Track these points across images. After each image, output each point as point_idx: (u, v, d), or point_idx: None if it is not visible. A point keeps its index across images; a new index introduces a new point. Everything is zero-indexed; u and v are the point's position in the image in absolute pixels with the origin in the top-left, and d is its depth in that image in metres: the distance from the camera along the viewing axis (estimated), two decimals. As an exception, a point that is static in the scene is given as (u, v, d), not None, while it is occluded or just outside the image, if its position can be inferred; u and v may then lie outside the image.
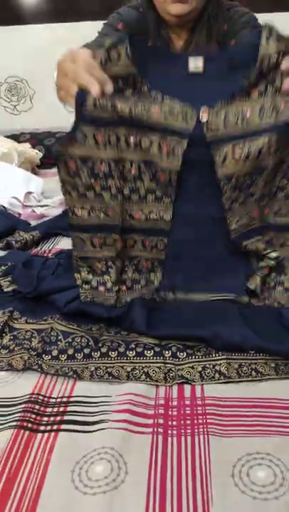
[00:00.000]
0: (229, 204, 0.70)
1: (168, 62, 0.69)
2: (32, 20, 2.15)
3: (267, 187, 0.69)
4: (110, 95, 0.66)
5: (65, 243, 1.08)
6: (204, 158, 0.68)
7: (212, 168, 0.68)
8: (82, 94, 0.66)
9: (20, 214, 1.27)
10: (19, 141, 1.78)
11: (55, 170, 1.85)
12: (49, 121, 1.99)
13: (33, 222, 1.22)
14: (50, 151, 1.75)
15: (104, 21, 1.18)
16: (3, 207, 1.27)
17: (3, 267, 0.93)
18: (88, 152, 0.68)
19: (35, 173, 1.64)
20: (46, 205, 1.34)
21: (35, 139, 1.82)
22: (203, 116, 0.67)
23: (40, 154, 1.69)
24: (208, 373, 0.65)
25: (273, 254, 0.73)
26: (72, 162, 0.70)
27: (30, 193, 1.36)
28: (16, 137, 1.83)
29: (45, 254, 1.02)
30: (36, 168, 1.69)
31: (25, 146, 1.66)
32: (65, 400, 0.63)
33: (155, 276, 0.79)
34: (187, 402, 0.61)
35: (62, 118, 2.18)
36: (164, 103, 0.67)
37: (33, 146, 1.75)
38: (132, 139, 0.68)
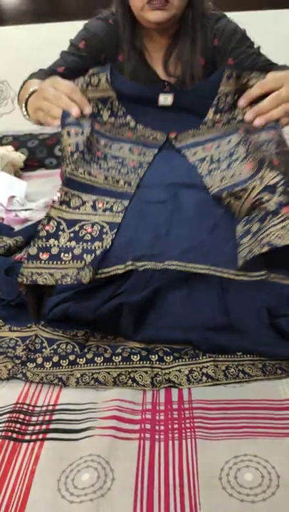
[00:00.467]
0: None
1: (143, 92, 0.76)
2: (11, 21, 2.13)
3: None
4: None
5: (49, 247, 1.06)
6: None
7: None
8: (66, 114, 0.71)
9: (3, 219, 1.26)
10: (1, 144, 1.76)
11: (39, 172, 1.83)
12: (28, 124, 1.97)
13: (17, 227, 1.21)
14: (34, 153, 1.74)
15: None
16: (-14, 212, 1.25)
17: (-15, 274, 0.91)
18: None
19: (19, 176, 1.62)
20: (30, 209, 1.33)
21: (18, 141, 1.80)
22: (172, 134, 0.76)
23: (24, 157, 1.68)
24: (195, 376, 0.64)
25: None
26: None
27: (13, 197, 1.35)
28: (-2, 140, 1.81)
29: (29, 259, 1.01)
30: (20, 170, 1.67)
31: (8, 149, 1.64)
32: (50, 408, 0.62)
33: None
34: (175, 406, 0.61)
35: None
36: (137, 129, 0.74)
37: (16, 149, 1.73)
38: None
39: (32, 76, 1.09)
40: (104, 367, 0.67)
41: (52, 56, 2.13)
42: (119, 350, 0.69)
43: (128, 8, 1.08)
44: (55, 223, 0.64)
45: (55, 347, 0.72)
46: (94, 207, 0.62)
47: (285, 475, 0.50)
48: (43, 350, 0.72)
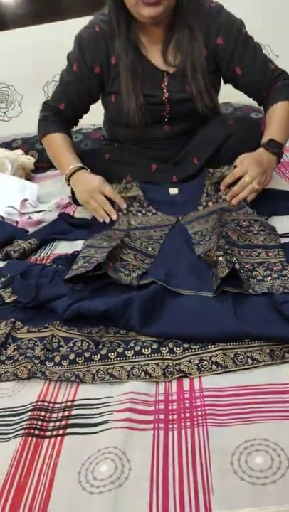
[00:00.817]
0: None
1: (157, 190, 1.18)
2: (13, 24, 2.14)
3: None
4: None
5: (62, 248, 1.10)
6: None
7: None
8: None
9: (17, 222, 1.29)
10: (12, 148, 1.80)
11: (49, 173, 1.86)
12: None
13: (31, 229, 1.24)
14: (43, 155, 1.76)
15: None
16: (1, 217, 1.29)
17: (2, 279, 0.95)
18: None
19: (30, 179, 1.65)
20: (43, 211, 1.36)
21: (27, 143, 1.82)
22: (180, 218, 1.11)
23: (33, 160, 1.71)
24: (205, 365, 0.66)
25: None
26: None
27: (25, 200, 1.38)
28: (9, 144, 1.85)
29: (44, 261, 1.04)
30: (31, 173, 1.70)
31: (17, 153, 1.67)
32: (69, 404, 0.65)
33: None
34: (186, 396, 0.63)
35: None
36: (157, 214, 1.14)
37: (26, 152, 1.76)
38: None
39: (46, 127, 1.25)
40: (118, 362, 0.70)
41: (56, 58, 2.14)
42: (131, 345, 0.72)
43: (121, 4, 1.08)
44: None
45: (71, 345, 0.75)
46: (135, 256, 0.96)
47: (295, 456, 0.52)
48: (60, 348, 0.75)
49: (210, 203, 1.12)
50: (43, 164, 1.76)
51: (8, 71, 2.07)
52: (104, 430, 0.59)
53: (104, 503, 0.50)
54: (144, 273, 0.87)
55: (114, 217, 1.11)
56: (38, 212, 1.36)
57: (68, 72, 1.22)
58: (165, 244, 1.00)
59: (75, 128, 1.90)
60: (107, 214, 1.12)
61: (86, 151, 1.36)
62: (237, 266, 0.79)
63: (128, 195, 1.16)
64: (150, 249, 0.98)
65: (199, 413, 0.59)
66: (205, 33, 1.13)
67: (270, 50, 2.09)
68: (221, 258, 0.82)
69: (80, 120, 1.32)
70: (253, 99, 1.24)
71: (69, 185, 1.20)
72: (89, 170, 1.18)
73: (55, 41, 2.10)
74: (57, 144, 1.23)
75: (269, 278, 0.81)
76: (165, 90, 1.17)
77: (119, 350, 0.72)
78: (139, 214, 1.13)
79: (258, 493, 0.49)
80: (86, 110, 1.29)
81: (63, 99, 1.24)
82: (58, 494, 0.53)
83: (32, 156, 1.76)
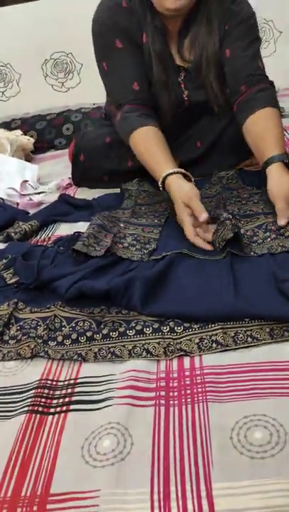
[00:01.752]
0: None
1: None
2: (10, 0, 2.09)
3: None
4: None
5: (63, 230, 1.10)
6: None
7: None
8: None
9: (18, 204, 1.29)
10: (10, 129, 1.78)
11: (49, 154, 1.84)
12: (38, 104, 1.97)
13: (32, 211, 1.24)
14: (43, 135, 1.75)
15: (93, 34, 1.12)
16: (1, 199, 1.29)
17: (4, 260, 0.96)
18: None
19: (30, 160, 1.64)
20: (43, 192, 1.35)
21: (26, 124, 1.80)
22: None
23: (33, 140, 1.69)
24: (205, 344, 0.67)
25: None
26: None
27: (26, 181, 1.37)
28: (8, 124, 1.82)
29: (45, 243, 1.04)
30: (31, 154, 1.69)
31: (17, 134, 1.66)
32: (72, 382, 0.66)
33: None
34: (187, 373, 0.64)
35: (51, 99, 2.15)
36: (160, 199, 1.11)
37: (25, 132, 1.74)
38: None
39: (130, 124, 1.07)
40: (120, 341, 0.71)
41: (54, 35, 2.10)
42: (132, 324, 0.73)
43: None
44: None
45: (74, 325, 0.76)
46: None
47: (293, 431, 0.53)
48: (63, 328, 0.76)
49: (212, 187, 1.15)
50: (43, 145, 1.75)
51: (5, 49, 2.03)
52: (106, 407, 0.61)
53: (107, 476, 0.52)
54: (154, 249, 0.89)
55: (204, 216, 0.94)
56: (39, 193, 1.35)
57: (113, 56, 1.09)
58: (170, 217, 1.01)
59: (74, 108, 1.88)
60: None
61: (86, 133, 1.34)
62: (242, 231, 0.85)
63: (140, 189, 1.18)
64: (156, 220, 1.00)
65: (200, 390, 0.61)
66: (219, 22, 1.09)
67: (274, 25, 2.04)
68: (227, 221, 0.85)
69: None
70: (229, 91, 1.12)
71: (164, 189, 1.00)
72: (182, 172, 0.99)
73: (54, 17, 2.06)
74: (146, 139, 1.05)
75: (269, 239, 0.86)
76: (183, 86, 1.14)
77: (121, 329, 0.73)
78: (147, 198, 1.15)
79: (256, 466, 0.50)
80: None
81: (130, 80, 1.08)
82: (62, 468, 0.54)
83: (31, 136, 1.74)
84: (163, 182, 0.98)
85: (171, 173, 0.97)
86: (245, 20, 1.10)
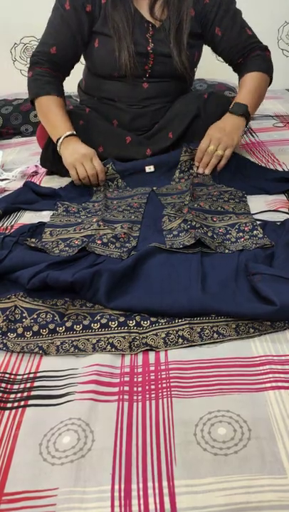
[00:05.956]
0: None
1: (134, 168, 1.18)
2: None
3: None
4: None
5: (26, 218, 1.06)
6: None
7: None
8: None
9: (-20, 190, 1.23)
10: (-26, 113, 1.70)
11: (14, 140, 1.78)
12: (4, 89, 1.91)
13: (-6, 198, 1.19)
14: (8, 120, 1.69)
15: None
16: None
17: None
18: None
19: (-6, 145, 1.58)
20: (7, 179, 1.30)
21: (-8, 108, 1.74)
22: (154, 188, 1.14)
23: (-2, 125, 1.63)
24: (171, 339, 0.66)
25: None
26: None
27: (-11, 166, 1.32)
28: (-28, 108, 1.75)
29: (7, 231, 1.00)
30: (-5, 139, 1.63)
31: (-19, 118, 1.59)
32: (31, 376, 0.63)
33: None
34: (152, 368, 0.62)
35: (17, 84, 2.08)
36: (132, 194, 1.13)
37: (-10, 117, 1.67)
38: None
39: (36, 88, 1.19)
40: (84, 334, 0.68)
41: (23, 19, 2.03)
42: (97, 318, 0.70)
43: None
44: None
45: (35, 316, 0.73)
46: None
47: (256, 428, 0.52)
48: (23, 320, 0.73)
49: (182, 180, 1.16)
50: (8, 130, 1.69)
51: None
52: (67, 402, 0.58)
53: (65, 474, 0.50)
54: (134, 247, 0.88)
55: (102, 187, 1.14)
56: (2, 180, 1.30)
57: (58, 13, 1.16)
58: (146, 213, 1.02)
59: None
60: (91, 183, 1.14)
61: None
62: (214, 230, 0.90)
63: (107, 176, 1.16)
64: (133, 217, 1.00)
65: (164, 385, 0.59)
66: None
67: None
68: (191, 230, 0.89)
69: (71, 71, 1.24)
70: (229, 65, 1.26)
71: (58, 150, 1.15)
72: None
73: (25, 2, 1.99)
74: (49, 107, 1.17)
75: (242, 239, 0.88)
76: (150, 41, 1.16)
77: (85, 322, 0.70)
78: (115, 192, 1.15)
79: (220, 463, 0.49)
80: (77, 57, 1.22)
81: (54, 42, 1.17)
82: (18, 466, 0.51)
83: (-4, 121, 1.67)
84: (61, 143, 1.14)
85: (68, 136, 1.14)
86: None
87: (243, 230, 0.90)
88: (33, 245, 0.88)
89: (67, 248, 0.88)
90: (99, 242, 0.88)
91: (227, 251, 0.84)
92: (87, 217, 1.01)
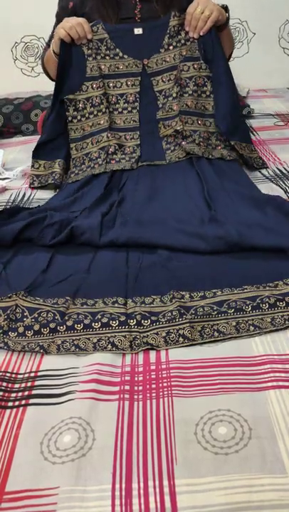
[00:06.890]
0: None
1: (123, 29, 1.23)
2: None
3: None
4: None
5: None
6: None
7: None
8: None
9: (-19, 188, 1.23)
10: (-25, 112, 1.70)
11: (15, 139, 1.78)
12: (5, 88, 1.91)
13: (-5, 197, 1.19)
14: (9, 119, 1.69)
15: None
16: None
17: None
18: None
19: (-5, 144, 1.58)
20: (8, 178, 1.30)
21: (-8, 107, 1.74)
22: (145, 62, 1.23)
23: (-1, 124, 1.63)
24: (172, 338, 0.66)
25: None
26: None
27: (-10, 165, 1.32)
28: (-28, 107, 1.75)
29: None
30: (-4, 138, 1.63)
31: (-18, 117, 1.59)
32: (32, 375, 0.63)
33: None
34: (152, 367, 0.62)
35: (18, 84, 2.08)
36: (124, 58, 1.23)
37: (-9, 116, 1.67)
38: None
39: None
40: (84, 333, 0.69)
41: (25, 18, 2.03)
42: (98, 317, 0.70)
43: None
44: None
45: (36, 315, 0.73)
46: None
47: (257, 427, 0.52)
48: (24, 319, 0.73)
49: (171, 47, 1.23)
50: (9, 129, 1.69)
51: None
52: (68, 401, 0.58)
53: (66, 473, 0.50)
54: (139, 157, 1.14)
55: (90, 36, 1.19)
56: (3, 179, 1.30)
57: (63, 13, 1.25)
58: (141, 110, 1.20)
59: (44, 94, 1.82)
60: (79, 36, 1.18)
61: None
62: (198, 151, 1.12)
63: (95, 38, 1.21)
64: (132, 122, 1.18)
65: (165, 384, 0.59)
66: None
67: (248, 26, 2.06)
68: (183, 142, 1.12)
69: None
70: None
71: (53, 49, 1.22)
72: None
73: (27, 0, 1.99)
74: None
75: (219, 147, 1.15)
76: (138, 7, 1.23)
77: (86, 321, 0.70)
78: (107, 57, 1.22)
79: (220, 462, 0.49)
80: None
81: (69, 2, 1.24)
82: (19, 464, 0.51)
83: (-3, 120, 1.67)
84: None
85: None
86: None
87: (220, 139, 1.14)
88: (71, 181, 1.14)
89: (90, 163, 1.15)
90: (113, 162, 1.13)
91: (210, 156, 1.11)
92: (95, 116, 1.20)
